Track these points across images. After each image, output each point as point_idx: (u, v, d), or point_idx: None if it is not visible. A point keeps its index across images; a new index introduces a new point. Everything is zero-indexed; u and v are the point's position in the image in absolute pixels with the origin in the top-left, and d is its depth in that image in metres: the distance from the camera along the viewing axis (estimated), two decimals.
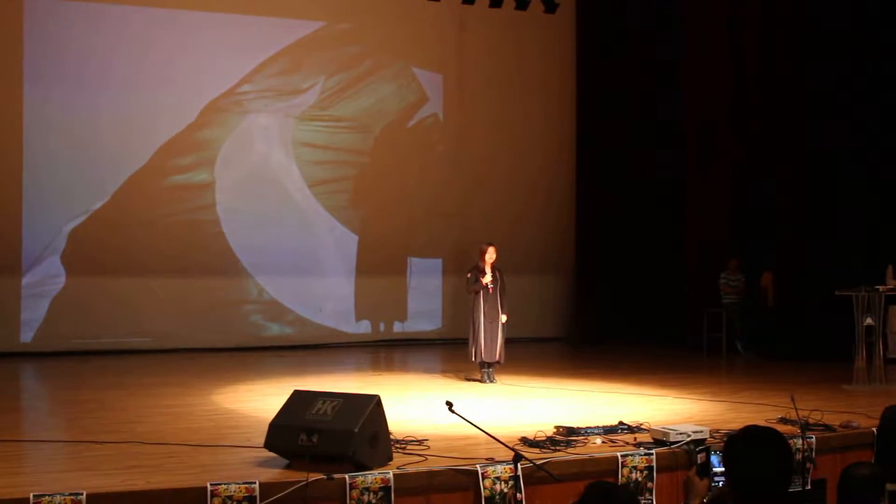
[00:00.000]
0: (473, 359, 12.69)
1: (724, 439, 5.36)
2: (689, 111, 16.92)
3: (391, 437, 7.64)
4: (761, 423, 6.40)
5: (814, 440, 8.34)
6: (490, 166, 18.22)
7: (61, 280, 15.61)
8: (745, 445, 4.24)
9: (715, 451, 7.59)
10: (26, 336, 15.41)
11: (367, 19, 17.33)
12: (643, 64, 18.16)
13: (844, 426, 8.94)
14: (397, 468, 7.14)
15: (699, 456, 7.60)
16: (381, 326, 17.60)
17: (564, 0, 17.65)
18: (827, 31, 15.12)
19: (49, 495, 6.23)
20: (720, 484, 5.77)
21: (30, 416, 10.92)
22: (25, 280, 15.43)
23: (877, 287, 12.11)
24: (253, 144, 16.79)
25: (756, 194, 16.25)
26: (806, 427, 8.43)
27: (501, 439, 7.54)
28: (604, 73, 18.16)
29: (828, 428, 8.80)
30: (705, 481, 4.94)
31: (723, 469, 4.41)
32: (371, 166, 17.56)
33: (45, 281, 15.52)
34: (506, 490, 7.15)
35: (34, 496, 6.22)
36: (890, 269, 14.21)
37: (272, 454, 7.38)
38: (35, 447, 8.49)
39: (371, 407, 7.27)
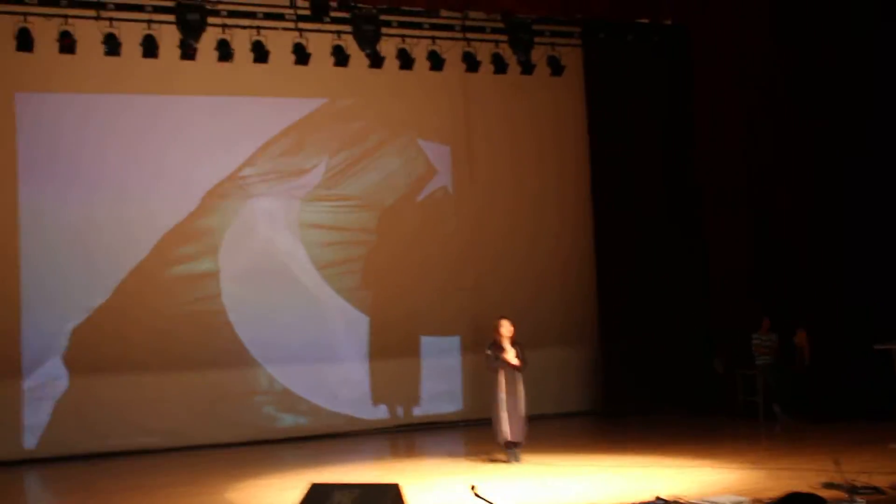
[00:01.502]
0: (499, 439, 12.35)
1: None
2: (703, 169, 16.64)
3: None
4: (804, 489, 6.12)
5: None
6: (504, 237, 17.86)
7: (64, 382, 15.09)
8: None
9: None
10: (30, 442, 14.84)
11: (369, 94, 17.06)
12: (657, 123, 17.91)
13: (894, 487, 8.60)
14: None
15: None
16: (399, 411, 17.13)
17: (571, 62, 17.40)
18: (838, 70, 14.94)
19: None
20: None
21: None
22: (27, 384, 14.93)
23: None
24: (257, 229, 16.42)
25: (780, 251, 15.93)
26: (854, 491, 8.15)
27: None
28: (616, 132, 17.87)
29: (877, 490, 8.53)
30: None
31: None
32: (381, 244, 17.20)
33: (47, 384, 15.00)
34: None
35: None
36: None
37: None
38: None
39: (391, 496, 7.03)
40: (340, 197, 16.82)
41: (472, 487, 7.16)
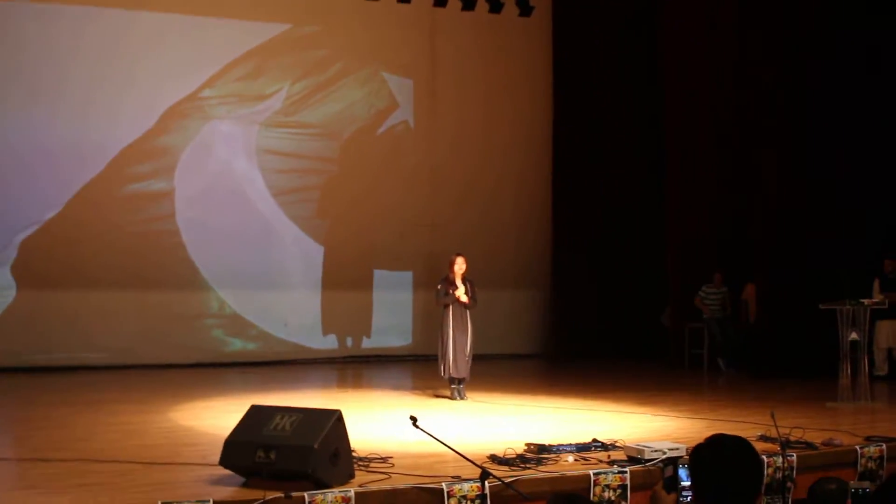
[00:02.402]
0: (443, 374, 12.37)
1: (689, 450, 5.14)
2: (669, 118, 16.60)
3: (354, 454, 7.42)
4: None
5: (794, 458, 8.11)
6: (462, 175, 17.87)
7: (11, 293, 15.08)
8: (710, 455, 4.03)
9: (683, 465, 7.37)
10: None
11: (335, 22, 16.97)
12: (623, 69, 17.86)
13: (826, 444, 8.73)
14: (359, 486, 6.91)
15: (666, 470, 7.40)
16: (349, 342, 17.19)
17: (540, 2, 17.30)
18: (806, 32, 14.90)
19: None
20: (688, 498, 5.50)
21: None
22: None
23: (862, 301, 11.80)
24: (214, 152, 16.33)
25: (738, 204, 15.97)
26: (786, 445, 8.20)
27: (469, 456, 7.22)
28: (581, 78, 17.87)
29: (809, 446, 8.59)
30: (672, 496, 4.82)
31: (690, 483, 4.15)
32: (338, 175, 17.15)
33: None
34: None
35: None
36: (877, 283, 13.95)
37: (228, 472, 7.12)
38: None
39: (332, 422, 7.03)
40: (300, 124, 16.72)
41: (413, 419, 7.14)
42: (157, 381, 14.00)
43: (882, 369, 14.32)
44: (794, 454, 8.14)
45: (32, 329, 15.06)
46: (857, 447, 8.63)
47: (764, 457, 7.56)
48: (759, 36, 15.31)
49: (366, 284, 17.29)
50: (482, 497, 6.87)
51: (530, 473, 7.40)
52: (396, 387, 14.47)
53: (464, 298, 12.32)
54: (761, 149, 15.29)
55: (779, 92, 15.03)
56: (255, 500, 6.43)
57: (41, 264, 15.17)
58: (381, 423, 10.15)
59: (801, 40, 14.94)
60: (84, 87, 15.48)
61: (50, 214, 15.29)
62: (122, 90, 15.65)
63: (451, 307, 12.34)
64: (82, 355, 15.19)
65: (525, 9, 16.64)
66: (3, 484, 7.36)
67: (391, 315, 17.44)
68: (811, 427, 9.22)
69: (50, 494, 6.72)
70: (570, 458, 7.98)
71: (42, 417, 10.60)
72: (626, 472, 7.52)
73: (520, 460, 7.76)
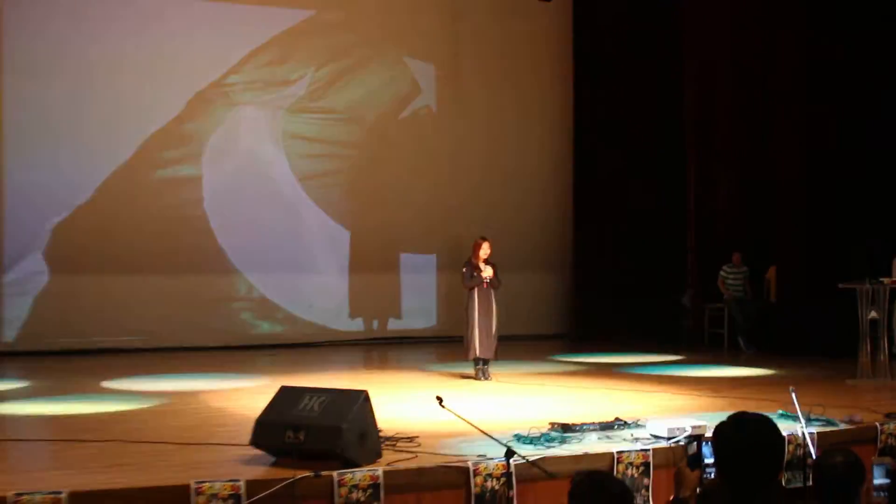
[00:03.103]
0: (468, 355, 12.44)
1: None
2: (689, 102, 16.65)
3: (381, 433, 7.49)
4: None
5: (815, 435, 8.10)
6: (485, 159, 17.97)
7: (45, 277, 15.30)
8: (733, 432, 4.12)
9: (706, 442, 7.44)
10: (9, 335, 15.08)
11: (358, 8, 17.10)
12: (643, 55, 17.88)
13: (847, 421, 8.74)
14: (387, 465, 6.98)
15: (691, 447, 7.46)
16: (375, 324, 17.34)
17: None
18: (830, 26, 14.91)
19: (29, 493, 6.05)
20: (712, 475, 5.60)
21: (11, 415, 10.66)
22: (7, 278, 15.12)
23: (881, 279, 11.86)
24: (241, 137, 16.48)
25: (758, 185, 16.00)
26: (808, 422, 8.20)
27: (494, 435, 7.31)
28: (602, 63, 17.93)
29: (830, 423, 8.62)
30: (696, 472, 4.88)
31: (713, 460, 4.25)
32: (363, 159, 17.28)
33: (27, 278, 15.21)
34: (497, 487, 6.96)
35: (14, 494, 6.03)
36: None
37: (259, 452, 7.22)
38: (16, 446, 8.31)
39: (359, 403, 7.12)
40: (324, 110, 16.83)
41: (439, 399, 7.24)
42: (186, 363, 14.14)
43: None
44: (815, 431, 8.16)
45: (65, 313, 15.27)
46: (877, 424, 8.67)
47: (785, 434, 7.65)
48: (781, 28, 15.36)
49: (391, 267, 17.43)
50: (507, 475, 6.93)
51: (554, 452, 7.47)
52: (422, 368, 14.48)
53: (486, 273, 12.32)
54: (783, 129, 15.34)
55: (803, 71, 15.07)
56: (285, 479, 6.50)
57: (73, 249, 15.35)
58: (407, 403, 10.23)
59: (824, 32, 14.98)
60: (112, 73, 15.62)
61: (81, 200, 15.48)
62: (149, 76, 15.79)
63: (476, 289, 12.39)
64: (114, 339, 15.38)
65: None
66: (40, 464, 7.53)
67: (416, 297, 17.56)
68: (831, 404, 9.22)
69: (87, 474, 6.80)
70: (594, 437, 8.05)
71: (76, 399, 10.72)
72: (648, 450, 7.57)
73: (544, 439, 7.83)
